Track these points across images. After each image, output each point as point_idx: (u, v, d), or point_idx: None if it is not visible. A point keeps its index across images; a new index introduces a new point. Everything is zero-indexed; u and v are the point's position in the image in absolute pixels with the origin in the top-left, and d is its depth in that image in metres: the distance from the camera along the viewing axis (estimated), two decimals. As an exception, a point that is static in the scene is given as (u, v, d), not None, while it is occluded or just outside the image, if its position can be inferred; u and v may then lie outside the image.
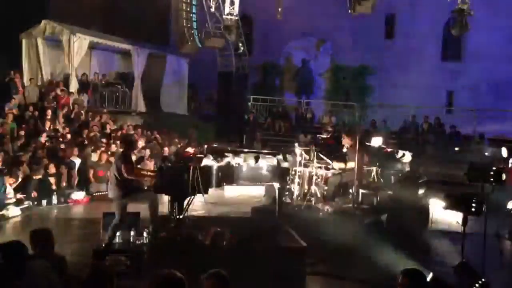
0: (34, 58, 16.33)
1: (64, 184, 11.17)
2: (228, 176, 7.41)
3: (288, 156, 8.36)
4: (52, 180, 10.80)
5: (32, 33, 16.18)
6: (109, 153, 12.49)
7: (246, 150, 8.59)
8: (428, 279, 4.15)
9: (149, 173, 7.72)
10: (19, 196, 9.97)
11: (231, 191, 11.69)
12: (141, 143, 13.85)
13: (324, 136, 12.37)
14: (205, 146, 8.10)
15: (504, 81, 19.04)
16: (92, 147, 12.85)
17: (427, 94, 19.10)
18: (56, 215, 10.09)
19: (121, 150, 7.54)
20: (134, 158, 7.31)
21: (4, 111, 13.35)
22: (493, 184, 6.77)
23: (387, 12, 21.07)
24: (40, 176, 10.59)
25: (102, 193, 10.94)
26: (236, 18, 18.04)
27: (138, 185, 7.57)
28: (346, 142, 9.55)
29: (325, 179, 9.42)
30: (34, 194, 10.35)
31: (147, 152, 13.42)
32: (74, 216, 10.06)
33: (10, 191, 9.84)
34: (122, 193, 6.80)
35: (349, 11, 15.15)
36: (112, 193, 6.92)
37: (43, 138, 12.48)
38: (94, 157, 12.31)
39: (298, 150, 9.56)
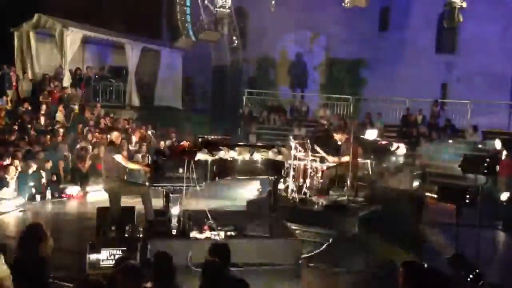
0: (27, 52, 16.18)
1: (57, 178, 11.12)
2: (223, 169, 7.40)
3: (283, 150, 8.34)
4: (43, 174, 10.75)
5: (24, 27, 16.03)
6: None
7: (240, 143, 8.55)
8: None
9: (143, 166, 7.70)
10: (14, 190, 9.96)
11: (226, 185, 11.67)
12: (133, 137, 13.89)
13: (319, 129, 12.39)
14: (200, 139, 8.06)
15: (498, 74, 19.07)
16: (88, 142, 12.81)
17: (421, 86, 19.11)
18: (50, 210, 10.05)
19: (109, 141, 7.54)
20: (125, 152, 7.31)
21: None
22: (487, 175, 6.80)
23: (381, 5, 21.03)
24: (34, 170, 10.53)
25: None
26: (229, 10, 17.99)
27: (132, 178, 7.57)
28: (338, 137, 9.56)
29: (320, 172, 9.44)
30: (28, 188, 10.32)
31: (141, 145, 13.43)
32: (69, 211, 10.03)
33: (10, 184, 9.86)
34: (114, 185, 6.80)
35: (343, 4, 15.18)
36: (105, 185, 6.97)
37: (33, 132, 12.44)
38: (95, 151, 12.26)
39: (293, 143, 9.55)
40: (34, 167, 10.56)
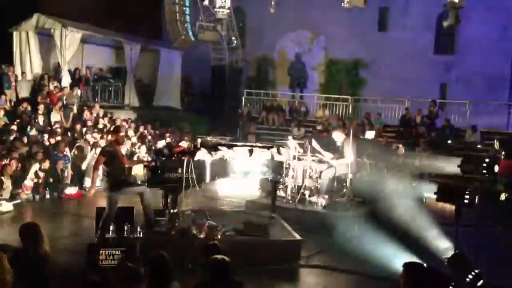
0: (26, 52, 16.15)
1: (56, 178, 11.10)
2: (222, 169, 7.41)
3: (282, 150, 8.35)
4: (41, 174, 10.73)
5: (23, 26, 16.00)
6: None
7: (240, 143, 8.57)
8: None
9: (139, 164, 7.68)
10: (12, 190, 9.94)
11: (225, 185, 11.67)
12: (133, 137, 13.88)
13: (319, 128, 12.40)
14: (199, 139, 8.07)
15: (497, 74, 19.08)
16: (87, 142, 12.79)
17: (421, 87, 19.13)
18: (49, 210, 10.03)
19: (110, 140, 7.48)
20: (124, 151, 7.29)
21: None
22: (486, 175, 6.81)
23: (381, 5, 21.03)
24: (33, 171, 10.52)
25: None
26: (228, 11, 17.99)
27: (131, 179, 7.55)
28: (337, 136, 9.56)
29: (319, 173, 9.44)
30: (27, 188, 10.29)
31: (140, 146, 13.42)
32: (68, 211, 10.01)
33: (8, 185, 9.82)
34: (110, 185, 6.79)
35: (343, 4, 15.18)
36: (102, 185, 6.99)
37: (33, 132, 12.41)
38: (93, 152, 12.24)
39: (292, 143, 9.55)
40: (33, 167, 10.54)
